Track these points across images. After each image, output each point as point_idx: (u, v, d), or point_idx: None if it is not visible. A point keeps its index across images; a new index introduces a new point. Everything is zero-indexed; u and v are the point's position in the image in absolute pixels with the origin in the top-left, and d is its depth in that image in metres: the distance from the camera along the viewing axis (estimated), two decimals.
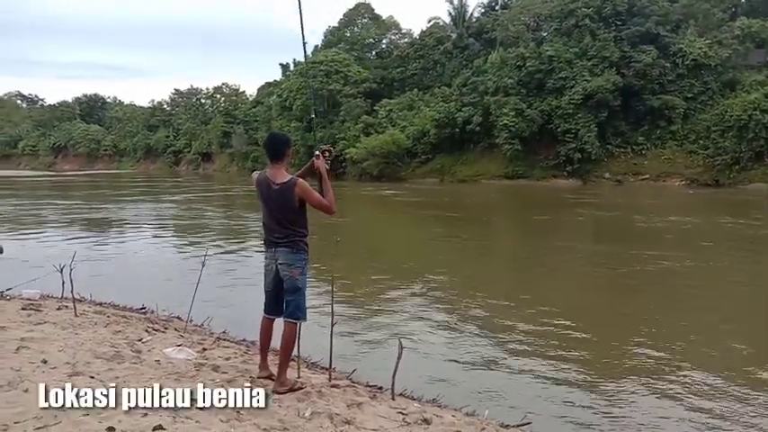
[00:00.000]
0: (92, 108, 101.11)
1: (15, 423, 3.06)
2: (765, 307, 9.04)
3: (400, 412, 4.01)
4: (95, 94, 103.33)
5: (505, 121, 41.77)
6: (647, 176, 39.81)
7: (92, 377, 4.00)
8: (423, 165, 47.78)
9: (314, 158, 4.24)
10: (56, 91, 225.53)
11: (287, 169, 4.15)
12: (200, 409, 3.55)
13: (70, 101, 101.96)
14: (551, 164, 42.34)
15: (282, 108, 57.80)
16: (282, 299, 4.14)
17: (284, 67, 68.63)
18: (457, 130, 45.64)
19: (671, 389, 5.57)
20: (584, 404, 5.27)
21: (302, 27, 4.36)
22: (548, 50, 43.07)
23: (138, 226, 19.17)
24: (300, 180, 4.07)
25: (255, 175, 4.23)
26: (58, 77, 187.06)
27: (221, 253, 13.46)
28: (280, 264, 4.08)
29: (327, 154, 4.31)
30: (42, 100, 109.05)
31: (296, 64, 63.67)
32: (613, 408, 5.20)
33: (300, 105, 53.85)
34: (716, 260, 12.84)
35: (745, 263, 12.68)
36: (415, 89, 53.93)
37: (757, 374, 5.93)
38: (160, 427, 3.15)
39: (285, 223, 4.06)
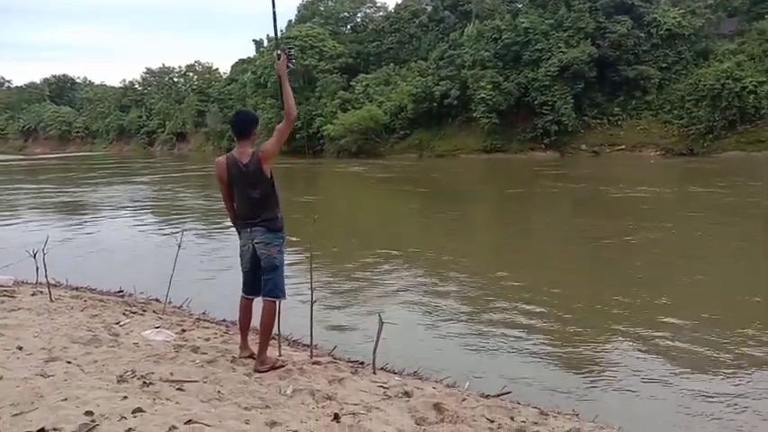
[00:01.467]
0: (61, 89, 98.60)
1: None
2: (736, 274, 9.26)
3: (381, 386, 4.04)
4: (64, 75, 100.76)
5: (483, 95, 41.68)
6: (623, 147, 40.20)
7: (69, 362, 3.96)
8: (401, 140, 47.60)
9: (275, 58, 4.02)
10: (23, 73, 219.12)
11: (253, 147, 4.09)
12: (180, 390, 3.54)
13: (38, 82, 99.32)
14: (529, 137, 42.48)
15: (257, 85, 56.90)
16: (260, 278, 4.13)
17: (258, 43, 67.42)
18: (434, 104, 45.46)
19: (650, 357, 5.69)
20: (563, 372, 5.37)
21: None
22: (523, 22, 42.87)
23: (113, 208, 18.87)
24: (260, 148, 4.04)
25: (222, 159, 4.14)
26: (24, 59, 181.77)
27: (198, 234, 13.35)
28: (257, 243, 4.06)
29: (293, 52, 4.09)
30: (9, 82, 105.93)
31: (269, 40, 62.58)
32: (592, 375, 5.31)
33: (275, 82, 52.85)
34: (692, 230, 13.07)
35: (719, 232, 12.93)
36: (392, 64, 53.40)
37: (740, 336, 6.09)
38: (140, 409, 3.13)
39: (259, 203, 4.03)
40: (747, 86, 35.21)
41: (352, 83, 52.07)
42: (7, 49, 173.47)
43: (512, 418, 3.64)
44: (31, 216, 17.03)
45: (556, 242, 12.31)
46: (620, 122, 41.59)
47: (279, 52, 4.02)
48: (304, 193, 19.89)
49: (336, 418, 3.27)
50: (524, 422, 3.56)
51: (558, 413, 4.05)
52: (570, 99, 40.77)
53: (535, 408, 4.05)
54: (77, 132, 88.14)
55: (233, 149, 4.16)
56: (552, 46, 41.72)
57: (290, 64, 4.04)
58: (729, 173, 25.58)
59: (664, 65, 41.36)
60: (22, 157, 70.75)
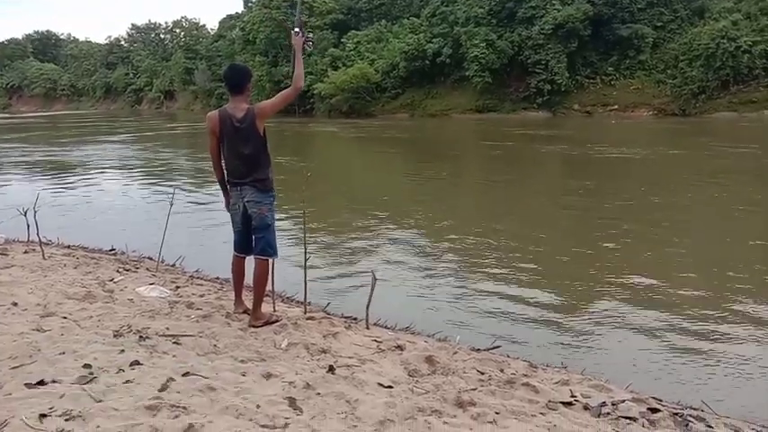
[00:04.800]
0: (45, 46, 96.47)
1: None
2: (724, 235, 9.38)
3: (375, 340, 4.11)
4: (48, 31, 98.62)
5: (476, 53, 41.10)
6: (616, 107, 39.97)
7: (64, 317, 3.99)
8: (393, 100, 47.09)
9: (292, 34, 4.17)
10: (2, 28, 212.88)
11: (248, 103, 4.04)
12: (177, 344, 3.59)
13: (21, 38, 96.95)
14: (521, 96, 42.15)
15: (246, 42, 55.80)
16: (252, 237, 4.14)
17: None
18: (427, 62, 44.81)
19: (637, 313, 5.80)
20: (552, 327, 5.46)
21: None
22: None
23: (102, 167, 18.67)
24: (257, 105, 4.03)
25: (214, 113, 4.08)
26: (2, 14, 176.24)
27: (188, 193, 13.28)
28: (247, 201, 4.04)
29: (312, 35, 4.27)
30: None
31: None
32: (580, 330, 5.41)
33: (264, 39, 52.01)
34: (682, 193, 13.16)
35: (710, 194, 13.02)
36: (384, 20, 52.35)
37: (729, 295, 6.22)
38: (137, 362, 3.18)
39: (250, 160, 4.00)
40: (742, 46, 34.84)
41: (342, 40, 51.07)
42: None
43: (502, 371, 3.72)
44: (20, 175, 16.85)
45: (541, 202, 12.36)
46: (613, 82, 41.28)
47: (297, 30, 4.14)
48: (292, 156, 19.76)
49: (331, 369, 3.34)
50: (514, 374, 3.64)
51: (547, 366, 4.15)
52: (564, 58, 40.33)
53: (525, 361, 4.14)
54: (63, 90, 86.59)
55: (223, 106, 4.12)
56: (547, 3, 40.99)
57: (305, 46, 4.20)
58: (715, 134, 25.60)
59: (659, 23, 40.88)
60: (7, 115, 69.53)
